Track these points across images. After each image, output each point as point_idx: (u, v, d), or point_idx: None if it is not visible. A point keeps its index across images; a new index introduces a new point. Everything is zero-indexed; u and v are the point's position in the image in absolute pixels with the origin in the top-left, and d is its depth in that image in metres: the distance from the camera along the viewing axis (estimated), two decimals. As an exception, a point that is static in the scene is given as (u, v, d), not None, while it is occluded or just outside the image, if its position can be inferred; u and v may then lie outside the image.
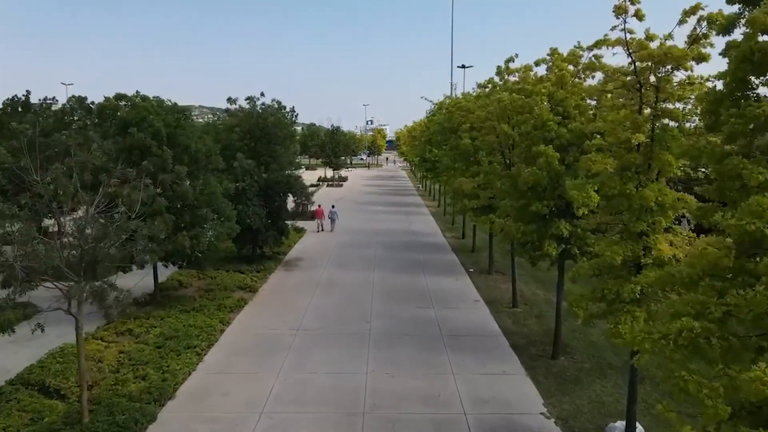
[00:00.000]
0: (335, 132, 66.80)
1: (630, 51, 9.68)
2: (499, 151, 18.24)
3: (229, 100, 23.14)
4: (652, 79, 9.70)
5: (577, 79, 13.46)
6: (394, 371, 13.22)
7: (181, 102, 23.52)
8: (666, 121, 9.52)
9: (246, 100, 23.77)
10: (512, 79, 17.38)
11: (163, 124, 16.54)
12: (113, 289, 8.92)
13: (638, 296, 8.82)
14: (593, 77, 13.42)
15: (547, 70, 13.99)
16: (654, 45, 9.57)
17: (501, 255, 24.92)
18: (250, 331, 15.98)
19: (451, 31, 77.05)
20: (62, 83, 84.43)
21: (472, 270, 23.64)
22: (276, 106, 24.21)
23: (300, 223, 33.26)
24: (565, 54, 13.72)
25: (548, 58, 13.90)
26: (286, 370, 13.23)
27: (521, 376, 13.06)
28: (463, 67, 44.14)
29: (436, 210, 43.45)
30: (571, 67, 13.42)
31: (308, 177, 74.73)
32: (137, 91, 17.40)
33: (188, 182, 17.23)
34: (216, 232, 17.00)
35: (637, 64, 9.72)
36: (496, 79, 18.83)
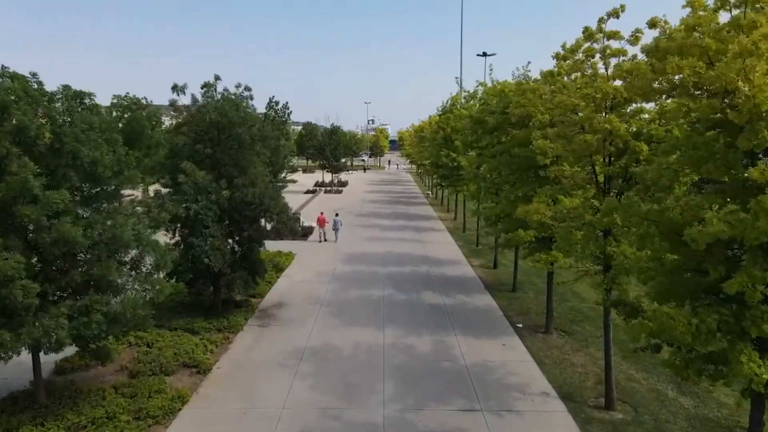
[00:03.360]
0: (334, 132, 59.86)
1: None
2: (588, 162, 11.51)
3: (175, 88, 16.31)
4: None
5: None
6: None
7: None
8: None
9: (202, 88, 16.98)
10: (616, 45, 10.68)
11: (37, 120, 9.83)
12: None
13: None
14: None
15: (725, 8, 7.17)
16: None
17: (557, 300, 18.19)
18: (173, 479, 9.22)
19: (461, 22, 70.01)
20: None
21: (521, 325, 16.88)
22: (245, 94, 17.33)
23: (288, 245, 26.59)
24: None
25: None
26: None
27: None
28: (485, 55, 37.21)
29: (453, 224, 36.66)
30: None
31: (305, 181, 68.06)
32: (3, 66, 10.59)
33: (83, 215, 10.61)
34: (126, 301, 10.26)
35: None
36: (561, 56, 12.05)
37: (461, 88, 32.50)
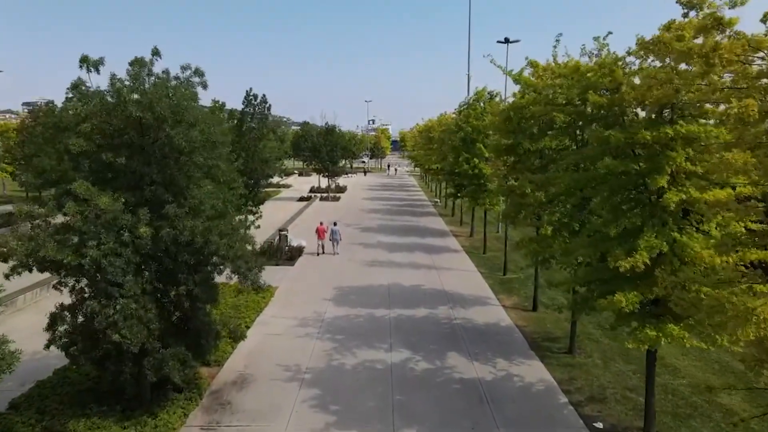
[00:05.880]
0: (330, 132, 53.94)
1: None
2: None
3: (85, 61, 10.58)
4: None
5: None
6: None
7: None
8: None
9: (130, 65, 11.18)
10: None
11: None
12: None
13: None
14: None
15: None
16: None
17: (640, 376, 12.49)
18: None
19: (469, 16, 64.34)
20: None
21: (600, 425, 11.19)
22: (194, 80, 11.51)
23: (269, 274, 20.83)
24: None
25: None
26: None
27: None
28: (507, 41, 31.47)
29: (470, 242, 30.93)
30: None
31: (300, 186, 62.34)
32: None
33: None
34: None
35: None
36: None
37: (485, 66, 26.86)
